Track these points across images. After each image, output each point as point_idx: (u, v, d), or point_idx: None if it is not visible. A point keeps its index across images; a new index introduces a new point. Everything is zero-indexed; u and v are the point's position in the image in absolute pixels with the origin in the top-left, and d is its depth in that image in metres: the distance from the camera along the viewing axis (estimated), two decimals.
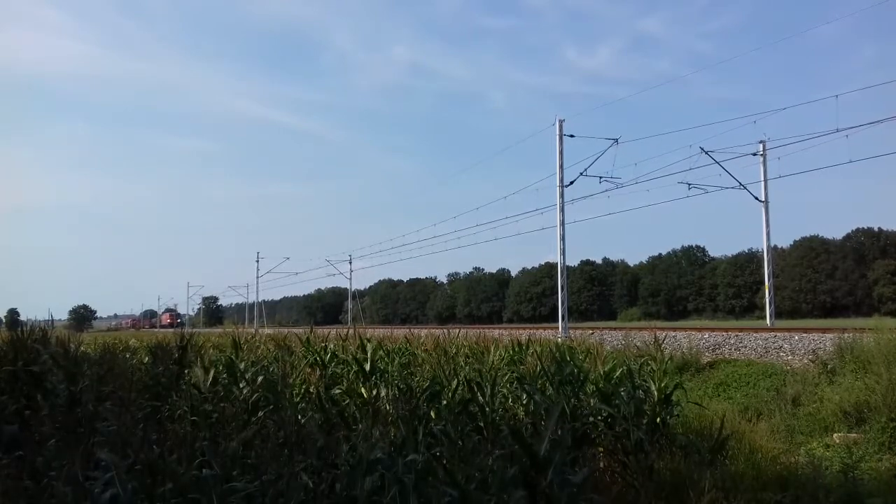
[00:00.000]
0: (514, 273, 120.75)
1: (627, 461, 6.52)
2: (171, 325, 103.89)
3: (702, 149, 26.49)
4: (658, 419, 7.07)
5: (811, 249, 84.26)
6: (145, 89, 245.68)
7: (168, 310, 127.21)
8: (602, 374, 7.43)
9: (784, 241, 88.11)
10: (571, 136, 25.47)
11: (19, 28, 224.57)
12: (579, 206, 46.58)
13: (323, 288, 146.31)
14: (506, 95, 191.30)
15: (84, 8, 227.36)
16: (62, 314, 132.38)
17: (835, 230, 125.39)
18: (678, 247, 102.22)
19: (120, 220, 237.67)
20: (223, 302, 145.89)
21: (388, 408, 6.68)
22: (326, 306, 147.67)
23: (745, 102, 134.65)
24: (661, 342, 8.01)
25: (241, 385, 6.75)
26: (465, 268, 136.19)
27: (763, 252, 29.86)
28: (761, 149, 27.58)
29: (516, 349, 9.47)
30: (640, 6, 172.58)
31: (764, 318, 29.16)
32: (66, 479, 3.80)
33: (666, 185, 65.12)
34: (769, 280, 28.41)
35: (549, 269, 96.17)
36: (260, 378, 6.86)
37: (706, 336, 17.74)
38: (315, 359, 9.32)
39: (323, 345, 10.54)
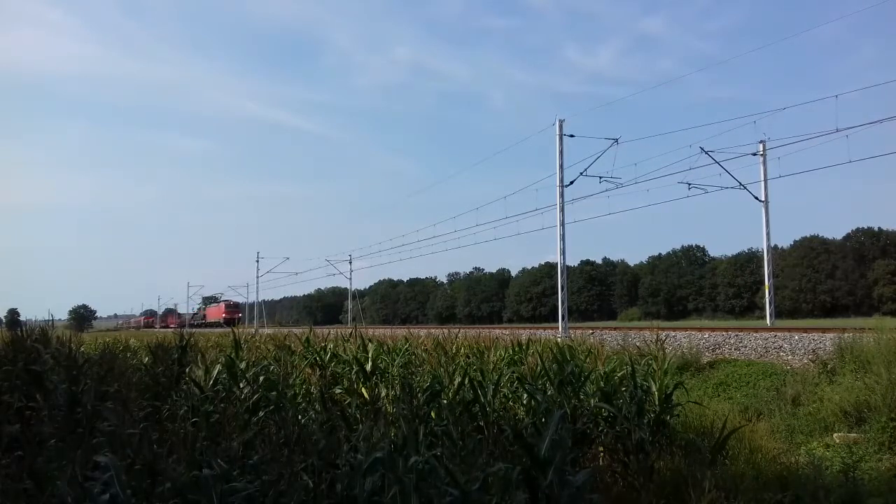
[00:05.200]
0: (514, 273, 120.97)
1: (628, 461, 6.52)
2: (229, 321, 69.01)
3: (702, 149, 26.52)
4: (659, 419, 7.08)
5: (811, 249, 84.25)
6: (146, 89, 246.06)
7: (223, 300, 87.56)
8: (603, 374, 7.43)
9: (784, 241, 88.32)
10: (571, 136, 25.48)
11: (21, 28, 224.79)
12: (579, 206, 46.59)
13: (323, 288, 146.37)
14: (506, 95, 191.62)
15: (86, 8, 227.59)
16: (62, 314, 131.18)
17: (835, 230, 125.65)
18: (678, 247, 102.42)
19: (120, 220, 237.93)
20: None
21: (388, 408, 6.68)
22: (326, 306, 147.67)
23: (745, 102, 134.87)
24: (662, 342, 8.01)
25: (241, 385, 6.75)
26: (465, 268, 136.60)
27: (763, 252, 29.85)
28: (761, 149, 27.57)
29: (516, 349, 9.47)
30: (641, 6, 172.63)
31: (764, 317, 29.15)
32: (66, 479, 3.79)
33: (666, 185, 65.27)
34: (769, 280, 28.39)
35: (549, 269, 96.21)
36: (261, 378, 6.87)
37: (706, 336, 17.74)
38: (315, 359, 9.32)
39: (323, 345, 10.53)
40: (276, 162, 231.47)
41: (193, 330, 39.23)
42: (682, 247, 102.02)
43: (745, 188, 28.03)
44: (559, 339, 12.76)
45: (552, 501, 3.97)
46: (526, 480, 4.07)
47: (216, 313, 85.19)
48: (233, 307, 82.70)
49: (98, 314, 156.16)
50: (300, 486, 3.85)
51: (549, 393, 6.88)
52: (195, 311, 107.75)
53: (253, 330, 34.60)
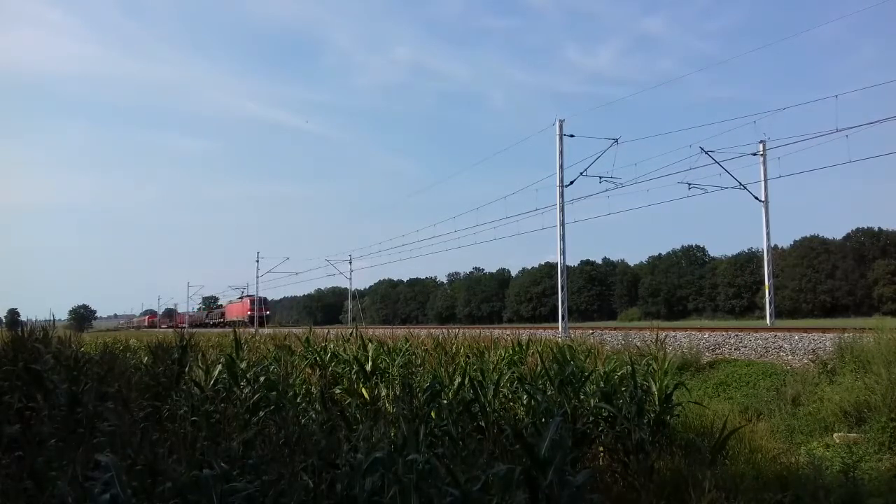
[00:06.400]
0: (514, 273, 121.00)
1: (628, 461, 6.52)
2: (259, 319, 61.84)
3: (702, 149, 26.49)
4: (659, 419, 7.09)
5: (811, 249, 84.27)
6: (146, 89, 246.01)
7: (248, 296, 72.88)
8: (603, 374, 7.43)
9: (784, 241, 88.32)
10: (571, 136, 25.46)
11: (21, 28, 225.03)
12: (579, 206, 46.66)
13: (323, 288, 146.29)
14: (507, 95, 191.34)
15: (86, 8, 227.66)
16: (62, 314, 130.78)
17: (835, 230, 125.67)
18: (678, 247, 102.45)
19: (120, 220, 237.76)
20: (223, 302, 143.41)
21: (388, 408, 6.68)
22: (326, 306, 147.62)
23: (745, 102, 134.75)
24: (662, 342, 8.01)
25: (241, 385, 6.75)
26: (465, 268, 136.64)
27: (763, 252, 29.85)
28: (761, 149, 27.56)
29: (516, 349, 9.48)
30: (641, 6, 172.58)
31: (764, 317, 29.14)
32: (67, 479, 3.80)
33: (666, 185, 65.23)
34: (769, 280, 28.39)
35: (549, 269, 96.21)
36: (261, 378, 6.87)
37: (706, 336, 17.74)
38: (315, 359, 9.33)
39: (323, 345, 10.55)
40: (276, 162, 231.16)
41: (209, 331, 37.03)
42: (682, 247, 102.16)
43: (745, 188, 28.03)
44: (559, 339, 12.76)
45: (552, 501, 3.97)
46: (526, 480, 4.06)
47: (239, 310, 72.23)
48: (260, 303, 70.52)
49: (98, 314, 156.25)
50: (300, 486, 3.85)
51: (549, 393, 6.89)
52: (198, 308, 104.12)
53: (253, 330, 34.57)
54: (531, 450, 4.18)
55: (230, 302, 79.49)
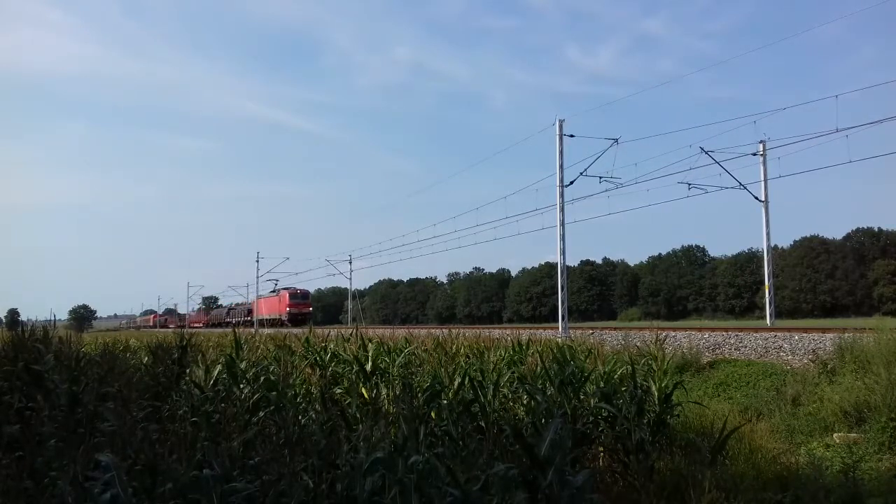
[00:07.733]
0: (514, 273, 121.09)
1: (628, 461, 6.53)
2: (298, 319, 50.67)
3: (702, 149, 26.49)
4: (659, 419, 7.09)
5: (811, 249, 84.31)
6: (146, 89, 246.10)
7: (285, 288, 60.23)
8: (603, 374, 7.44)
9: (784, 241, 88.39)
10: (571, 136, 25.47)
11: (21, 28, 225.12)
12: (579, 206, 46.72)
13: (323, 288, 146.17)
14: (507, 95, 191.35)
15: (86, 8, 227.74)
16: (62, 314, 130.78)
17: (835, 230, 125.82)
18: (678, 247, 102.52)
19: (120, 220, 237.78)
20: (223, 302, 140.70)
21: (388, 408, 6.68)
22: (326, 306, 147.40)
23: (745, 102, 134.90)
24: (662, 342, 8.01)
25: (241, 385, 6.75)
26: (465, 268, 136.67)
27: (763, 252, 29.85)
28: (761, 149, 27.55)
29: (516, 349, 9.48)
30: (641, 6, 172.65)
31: (764, 317, 29.13)
32: (67, 479, 3.80)
33: (666, 185, 65.31)
34: (769, 280, 28.38)
35: (549, 269, 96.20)
36: (261, 378, 6.87)
37: (706, 336, 17.73)
38: (315, 359, 9.32)
39: (323, 345, 10.54)
40: (276, 162, 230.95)
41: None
42: (682, 247, 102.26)
43: (745, 188, 28.02)
44: (559, 339, 12.76)
45: (552, 502, 3.97)
46: (526, 481, 4.07)
47: (275, 307, 59.34)
48: (301, 298, 57.69)
49: (98, 314, 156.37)
50: (300, 486, 3.86)
51: (549, 393, 6.89)
52: (197, 308, 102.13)
53: (253, 330, 34.51)
54: (531, 450, 4.18)
55: (259, 296, 65.48)
